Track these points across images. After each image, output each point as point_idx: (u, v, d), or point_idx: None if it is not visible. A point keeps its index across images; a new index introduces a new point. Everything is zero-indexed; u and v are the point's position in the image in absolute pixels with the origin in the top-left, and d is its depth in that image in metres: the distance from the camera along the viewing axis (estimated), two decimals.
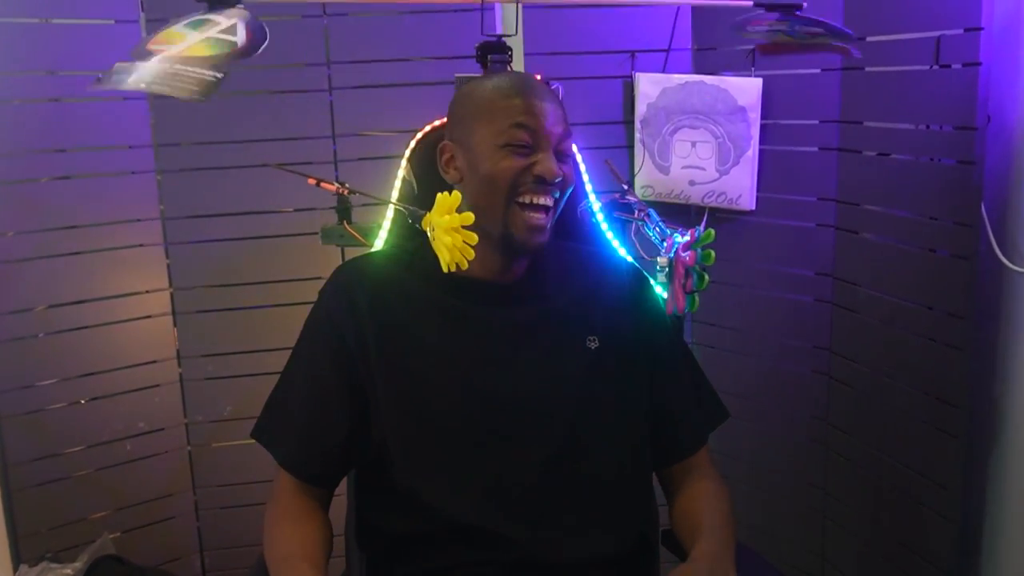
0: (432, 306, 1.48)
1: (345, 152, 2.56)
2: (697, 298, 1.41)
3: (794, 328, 2.44)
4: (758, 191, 2.43)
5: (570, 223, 1.68)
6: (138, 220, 2.50)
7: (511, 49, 1.81)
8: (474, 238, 1.29)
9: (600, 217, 1.71)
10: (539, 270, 1.51)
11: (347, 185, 1.90)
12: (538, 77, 1.62)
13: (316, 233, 2.46)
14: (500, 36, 1.79)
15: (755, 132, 2.39)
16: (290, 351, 2.56)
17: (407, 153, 1.73)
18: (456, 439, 1.43)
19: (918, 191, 2.06)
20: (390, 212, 1.74)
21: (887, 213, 2.16)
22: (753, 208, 2.44)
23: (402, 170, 1.73)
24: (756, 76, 2.39)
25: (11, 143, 2.34)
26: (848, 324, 2.31)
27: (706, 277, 1.39)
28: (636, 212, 1.71)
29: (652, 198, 2.54)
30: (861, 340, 2.28)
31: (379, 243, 1.75)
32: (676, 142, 2.50)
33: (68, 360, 2.46)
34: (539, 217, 1.39)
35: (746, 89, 2.38)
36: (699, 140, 2.47)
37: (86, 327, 2.47)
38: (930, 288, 2.04)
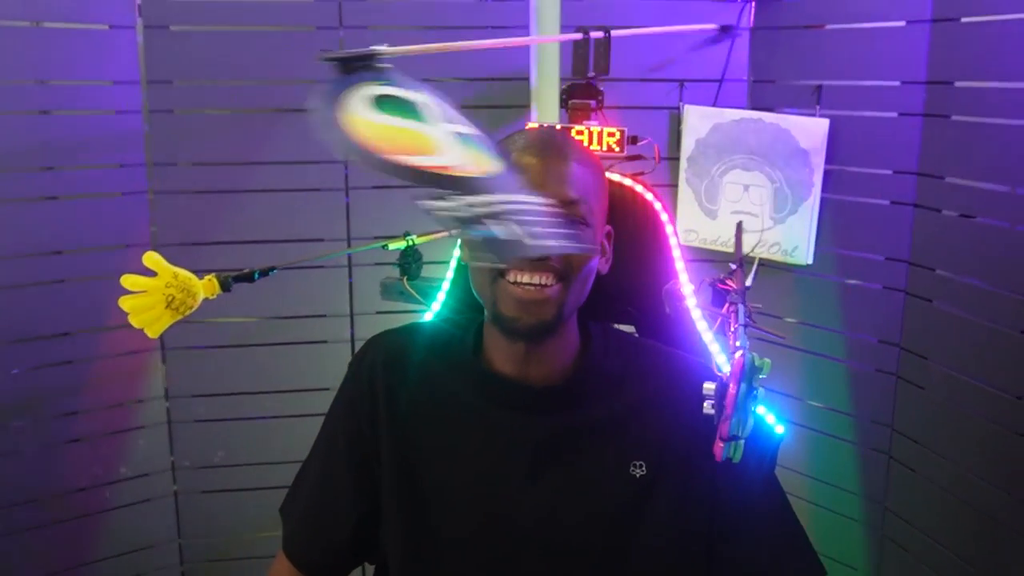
0: (455, 404, 1.24)
1: (358, 178, 2.31)
2: (740, 445, 1.09)
3: (851, 399, 2.19)
4: (816, 244, 2.17)
5: (652, 310, 1.40)
6: (127, 246, 2.27)
7: (602, 93, 1.55)
8: None
9: (691, 303, 1.42)
10: (590, 373, 1.24)
11: (412, 237, 1.72)
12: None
13: (321, 267, 2.28)
14: (590, 77, 1.53)
15: (817, 179, 2.13)
16: (289, 393, 2.40)
17: None
18: (466, 566, 1.20)
19: (1009, 262, 1.80)
20: (451, 274, 1.50)
21: (969, 283, 1.90)
22: (810, 263, 2.18)
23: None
24: (822, 116, 2.12)
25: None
26: (914, 401, 2.06)
27: (750, 421, 1.09)
28: (726, 305, 1.44)
29: (695, 244, 2.29)
30: (928, 421, 2.03)
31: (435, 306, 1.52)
32: (726, 184, 2.25)
33: (44, 399, 2.24)
34: (529, 289, 1.14)
35: (810, 130, 2.12)
36: (753, 184, 2.22)
37: (66, 363, 2.25)
38: (1019, 375, 1.78)
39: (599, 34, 1.74)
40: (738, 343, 1.26)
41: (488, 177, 0.95)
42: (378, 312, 2.29)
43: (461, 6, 2.28)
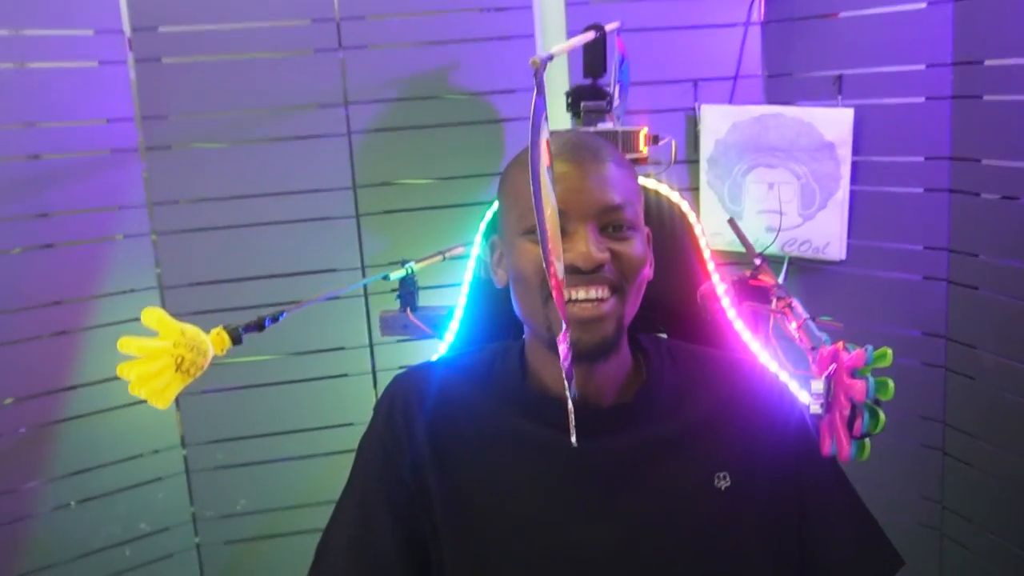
0: (509, 436, 1.15)
1: (369, 204, 2.23)
2: (868, 444, 1.05)
3: (899, 396, 2.10)
4: (849, 238, 2.11)
5: (685, 315, 1.35)
6: (132, 291, 2.17)
7: (610, 94, 1.48)
8: None
9: (727, 303, 1.35)
10: (654, 386, 1.16)
11: (410, 264, 1.64)
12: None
13: (334, 298, 2.19)
14: (595, 81, 1.45)
15: (845, 171, 2.07)
16: (312, 432, 2.31)
17: (482, 227, 1.40)
18: None
19: None
20: (464, 300, 1.42)
21: (1015, 266, 1.84)
22: (844, 258, 2.12)
23: (476, 247, 1.41)
24: (845, 106, 2.06)
25: None
26: (966, 393, 1.99)
27: (881, 416, 1.03)
28: (774, 301, 1.37)
29: (722, 247, 2.21)
30: (982, 412, 1.96)
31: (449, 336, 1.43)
32: (750, 183, 2.18)
33: (55, 457, 2.14)
34: (586, 307, 1.06)
35: (834, 121, 2.06)
36: (778, 181, 2.15)
37: (76, 417, 2.15)
38: None
39: (615, 25, 1.69)
40: (823, 336, 1.19)
41: None
42: (399, 340, 2.20)
43: (462, 19, 2.21)
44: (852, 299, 2.16)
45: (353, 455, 1.22)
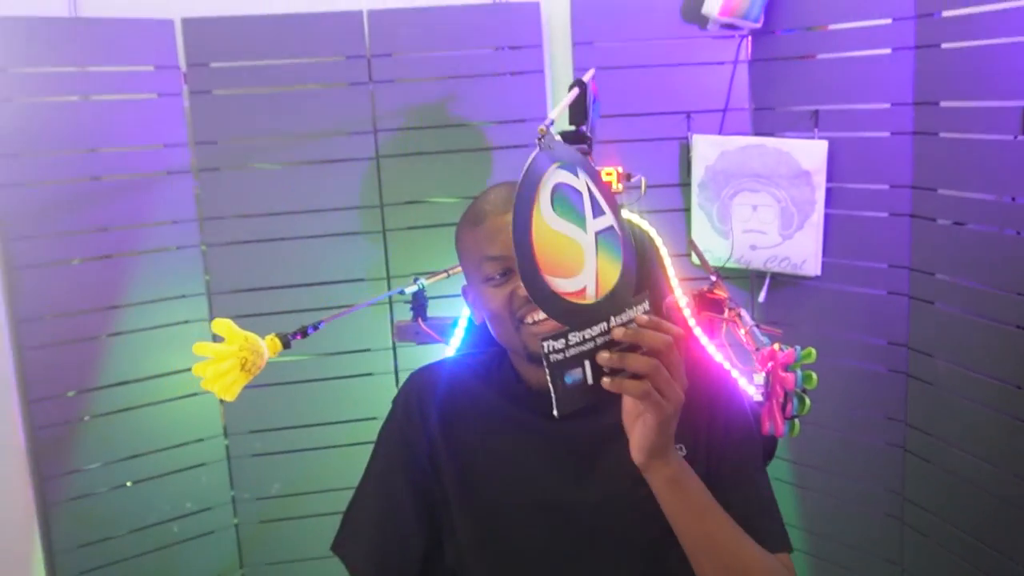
0: (508, 422, 1.40)
1: (395, 220, 2.48)
2: (798, 423, 1.32)
3: (866, 399, 2.35)
4: (824, 256, 2.35)
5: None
6: (183, 296, 2.43)
7: (590, 139, 1.72)
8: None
9: (688, 312, 1.61)
10: None
11: (421, 280, 1.85)
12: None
13: (368, 305, 2.43)
14: (578, 128, 1.69)
15: (820, 196, 2.31)
16: (339, 424, 2.55)
17: None
18: (537, 560, 1.35)
19: (1001, 264, 1.97)
20: (466, 309, 1.66)
21: (966, 285, 2.07)
22: (819, 274, 2.36)
23: None
24: (820, 138, 2.30)
25: (52, 224, 2.29)
26: (925, 397, 2.22)
27: (807, 402, 1.30)
28: (726, 311, 1.63)
29: (711, 263, 2.45)
30: (938, 414, 2.19)
31: (455, 342, 1.67)
32: (736, 206, 2.42)
33: (113, 443, 2.40)
34: (545, 326, 1.29)
35: (810, 152, 2.30)
36: (761, 204, 2.39)
37: (131, 408, 2.41)
38: (1019, 367, 1.94)
39: (591, 73, 1.88)
40: (764, 340, 1.46)
41: (600, 302, 1.06)
42: (419, 344, 2.44)
43: (479, 56, 2.45)
44: (826, 311, 2.39)
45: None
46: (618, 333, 1.04)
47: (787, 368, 1.31)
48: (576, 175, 1.07)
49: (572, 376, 1.03)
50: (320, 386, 2.53)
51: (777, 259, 2.39)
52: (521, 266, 0.99)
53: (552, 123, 1.13)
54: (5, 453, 2.27)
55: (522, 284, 1.11)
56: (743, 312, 1.54)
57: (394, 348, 2.53)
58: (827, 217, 2.33)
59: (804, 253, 2.35)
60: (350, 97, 2.43)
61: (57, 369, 2.31)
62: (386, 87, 2.44)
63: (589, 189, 1.08)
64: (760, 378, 1.35)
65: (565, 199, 1.06)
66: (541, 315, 1.26)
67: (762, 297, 2.47)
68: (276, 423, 2.53)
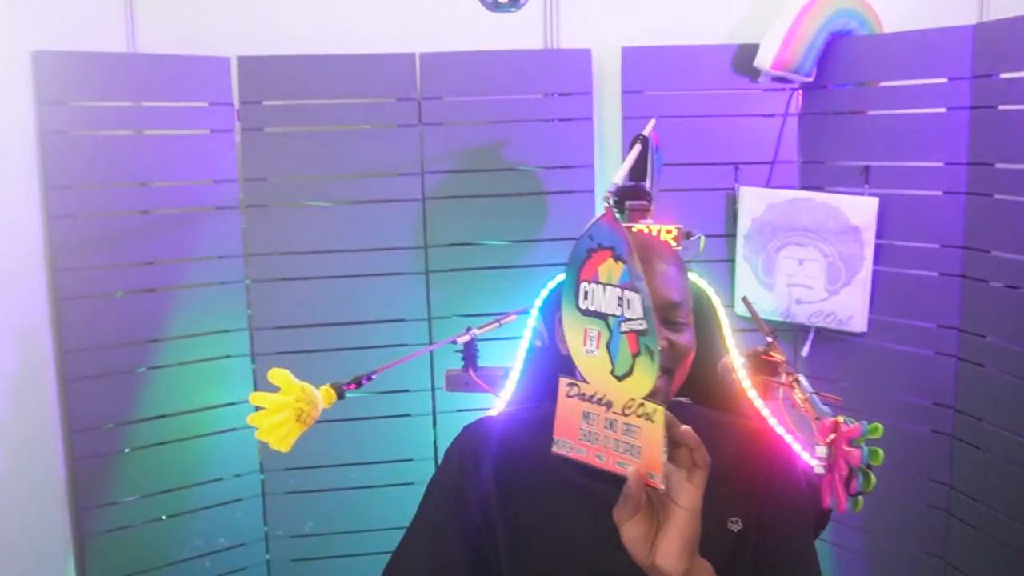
0: (563, 483, 1.38)
1: (437, 262, 2.49)
2: (861, 499, 1.30)
3: (908, 459, 2.32)
4: (871, 313, 2.33)
5: (708, 383, 1.58)
6: (225, 331, 2.44)
7: (649, 194, 1.71)
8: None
9: (743, 375, 1.59)
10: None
11: (473, 330, 1.84)
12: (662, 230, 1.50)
13: (404, 345, 2.44)
14: (637, 184, 1.68)
15: (869, 253, 2.29)
16: (375, 465, 2.54)
17: (537, 303, 1.64)
18: None
19: None
20: (519, 364, 1.65)
21: (1018, 349, 2.04)
22: (865, 331, 2.34)
23: (532, 320, 1.65)
24: (871, 194, 2.29)
25: (100, 256, 2.30)
26: (970, 460, 2.19)
27: (872, 478, 1.28)
28: (784, 375, 1.61)
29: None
30: (984, 478, 2.16)
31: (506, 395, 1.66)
32: (782, 259, 2.41)
33: (151, 476, 2.40)
34: None
35: (860, 208, 2.29)
36: (807, 258, 2.37)
37: (170, 442, 2.41)
38: None
39: (652, 123, 1.87)
40: (826, 410, 1.43)
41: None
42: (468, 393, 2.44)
43: (528, 101, 2.47)
44: (871, 368, 2.36)
45: (411, 488, 1.43)
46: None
47: (852, 442, 1.28)
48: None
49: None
50: (357, 425, 2.52)
51: (822, 314, 2.38)
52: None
53: (616, 188, 1.12)
54: (46, 483, 2.27)
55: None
56: (802, 378, 1.52)
57: (433, 390, 2.52)
58: (875, 274, 2.31)
59: (851, 309, 2.34)
60: (399, 138, 2.45)
61: (99, 400, 2.32)
62: (435, 129, 2.45)
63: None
64: (823, 450, 1.33)
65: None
66: None
67: (805, 352, 2.45)
68: (312, 461, 2.52)
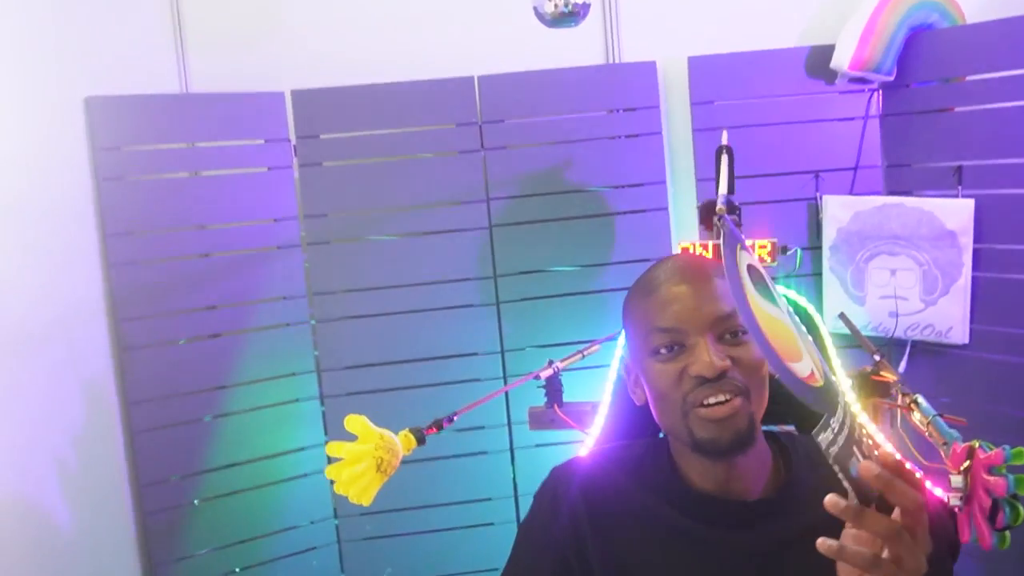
0: (661, 526, 1.27)
1: (508, 292, 2.39)
2: (1008, 535, 1.16)
3: None
4: (972, 323, 2.18)
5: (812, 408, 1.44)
6: (293, 374, 2.36)
7: (739, 208, 1.60)
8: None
9: (852, 397, 1.46)
10: (795, 480, 1.27)
11: (556, 363, 1.74)
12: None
13: (477, 380, 2.34)
14: (726, 195, 1.58)
15: (967, 259, 2.15)
16: (452, 506, 2.44)
17: (620, 341, 1.53)
18: None
19: None
20: (608, 397, 1.54)
21: None
22: (967, 342, 2.19)
23: (620, 349, 1.54)
24: (965, 196, 2.15)
25: (162, 303, 2.24)
26: None
27: (1021, 510, 1.14)
28: (899, 397, 1.48)
29: (846, 330, 2.30)
30: None
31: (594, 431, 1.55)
32: (872, 270, 2.27)
33: (222, 527, 2.32)
34: (717, 409, 1.17)
35: (955, 211, 2.15)
36: (900, 267, 2.24)
37: (240, 491, 2.33)
38: None
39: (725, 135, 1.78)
40: (953, 433, 1.30)
41: (826, 384, 0.96)
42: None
43: (592, 119, 2.37)
44: (975, 382, 2.21)
45: (491, 528, 1.33)
46: (868, 472, 0.90)
47: (993, 470, 1.15)
48: (747, 255, 0.99)
49: (854, 466, 0.88)
50: (433, 465, 2.42)
51: (919, 326, 2.23)
52: (767, 355, 0.93)
53: (727, 200, 1.03)
54: (117, 539, 2.21)
55: (695, 362, 1.12)
56: (921, 399, 1.39)
57: (509, 425, 2.42)
58: (974, 280, 2.17)
59: (950, 320, 2.19)
60: (461, 165, 2.36)
61: (167, 452, 2.25)
62: (498, 154, 2.36)
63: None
64: (958, 480, 1.19)
65: (759, 282, 0.98)
66: (722, 396, 1.15)
67: (902, 367, 2.30)
68: (387, 504, 2.43)
